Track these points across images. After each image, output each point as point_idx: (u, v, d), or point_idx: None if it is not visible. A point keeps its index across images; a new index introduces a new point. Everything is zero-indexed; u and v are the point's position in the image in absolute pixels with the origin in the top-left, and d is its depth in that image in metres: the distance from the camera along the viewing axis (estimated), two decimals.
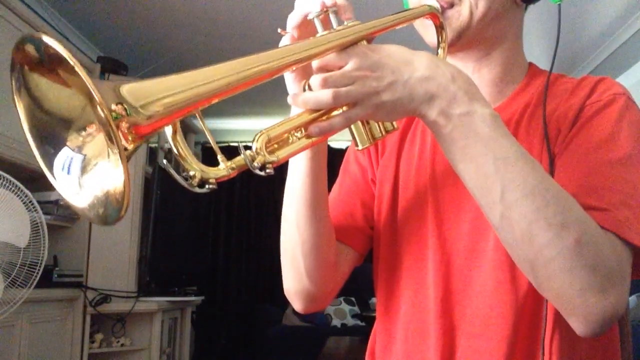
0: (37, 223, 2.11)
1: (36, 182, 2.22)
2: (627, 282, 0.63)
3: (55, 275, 2.78)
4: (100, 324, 3.23)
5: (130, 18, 3.39)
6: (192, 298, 3.82)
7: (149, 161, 3.61)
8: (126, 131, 0.45)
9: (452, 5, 0.77)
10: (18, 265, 2.04)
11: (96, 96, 0.42)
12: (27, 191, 2.06)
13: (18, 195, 2.02)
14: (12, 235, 1.98)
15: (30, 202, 2.07)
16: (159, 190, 3.37)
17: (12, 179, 2.02)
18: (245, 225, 5.35)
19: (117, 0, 3.18)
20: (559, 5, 0.79)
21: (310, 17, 0.66)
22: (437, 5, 0.77)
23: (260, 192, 5.30)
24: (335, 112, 0.62)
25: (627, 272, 0.63)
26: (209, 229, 4.88)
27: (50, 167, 0.50)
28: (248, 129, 5.36)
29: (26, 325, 2.49)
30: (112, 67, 3.36)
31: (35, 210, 2.09)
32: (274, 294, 4.83)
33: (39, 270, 2.10)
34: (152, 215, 3.35)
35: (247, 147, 0.57)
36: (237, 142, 5.24)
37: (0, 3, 2.43)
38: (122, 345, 3.20)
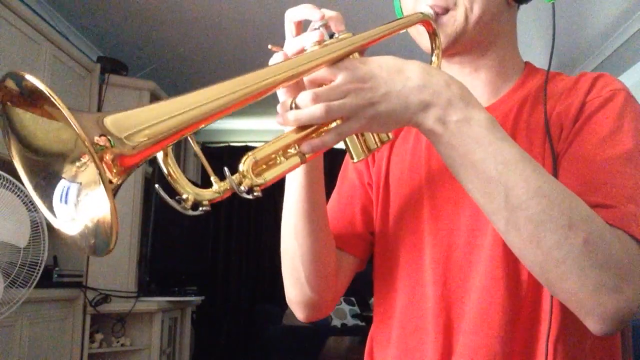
0: (37, 223, 2.11)
1: None
2: (639, 277, 0.62)
3: (55, 275, 2.78)
4: (100, 324, 3.23)
5: (130, 18, 3.39)
6: (192, 298, 3.82)
7: (149, 161, 3.60)
8: (111, 163, 0.44)
9: (447, 11, 0.77)
10: (18, 265, 2.04)
11: (77, 129, 0.41)
12: (27, 191, 2.05)
13: (18, 195, 2.02)
14: (12, 235, 1.98)
15: (30, 202, 2.07)
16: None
17: (12, 179, 2.02)
18: (245, 225, 5.35)
19: (117, 0, 3.18)
20: (553, 4, 0.79)
21: (306, 47, 0.64)
22: (429, 11, 0.76)
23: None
24: (325, 128, 0.62)
25: (639, 268, 0.62)
26: (209, 229, 4.88)
27: (49, 202, 0.49)
28: (248, 129, 5.36)
29: (26, 325, 2.49)
30: (112, 67, 3.36)
31: (35, 210, 2.09)
32: (274, 294, 4.83)
33: (39, 270, 2.10)
34: (152, 215, 3.35)
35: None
36: (238, 142, 5.22)
37: (0, 3, 2.43)
38: (122, 345, 3.20)
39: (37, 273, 2.10)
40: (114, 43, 3.72)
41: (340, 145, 0.67)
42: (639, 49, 3.35)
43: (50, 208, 0.49)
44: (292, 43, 0.66)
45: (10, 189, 2.01)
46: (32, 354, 2.52)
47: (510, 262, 0.71)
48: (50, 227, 2.31)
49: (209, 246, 4.89)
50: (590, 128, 0.72)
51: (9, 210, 1.98)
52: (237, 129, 5.40)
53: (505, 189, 0.60)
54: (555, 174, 0.71)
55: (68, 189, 0.48)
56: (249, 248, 5.31)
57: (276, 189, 0.67)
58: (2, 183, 1.98)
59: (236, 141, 5.06)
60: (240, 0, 3.18)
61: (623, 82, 0.78)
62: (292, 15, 0.67)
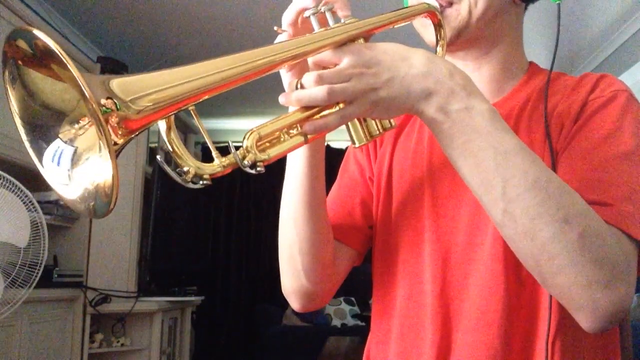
0: (37, 223, 2.11)
1: (36, 182, 2.22)
2: (633, 276, 0.63)
3: (55, 275, 2.78)
4: (100, 324, 3.23)
5: (130, 18, 3.39)
6: (192, 298, 3.81)
7: (149, 161, 3.60)
8: (116, 125, 0.45)
9: (451, 4, 0.78)
10: (18, 265, 2.04)
11: (85, 90, 0.42)
12: (27, 191, 2.06)
13: (18, 195, 2.02)
14: (12, 235, 1.98)
15: (30, 202, 2.07)
16: (159, 190, 3.36)
17: (12, 179, 2.02)
18: (245, 225, 5.35)
19: (117, 0, 3.18)
20: (559, 4, 0.80)
21: (306, 14, 0.65)
22: (435, 3, 0.77)
23: (260, 191, 5.31)
24: (328, 110, 0.62)
25: (633, 267, 0.63)
26: (208, 229, 4.88)
27: (39, 155, 0.50)
28: (248, 128, 5.35)
29: (26, 325, 2.49)
30: (112, 67, 3.36)
31: (35, 210, 2.09)
32: (274, 294, 4.83)
33: (39, 270, 2.10)
34: (152, 215, 3.35)
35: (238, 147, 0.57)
36: (238, 142, 5.29)
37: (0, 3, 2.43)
38: (122, 345, 3.20)
39: (37, 273, 2.09)
40: (114, 43, 3.72)
41: (340, 143, 0.67)
42: (639, 49, 3.35)
43: (40, 161, 0.50)
44: (290, 9, 0.67)
45: (10, 189, 2.01)
46: (32, 354, 2.52)
47: (510, 259, 0.71)
48: (50, 227, 2.32)
49: (208, 246, 4.89)
50: (591, 127, 0.72)
51: (9, 210, 1.98)
52: (237, 128, 5.40)
53: (503, 180, 0.60)
54: (554, 171, 0.71)
55: (62, 151, 0.48)
56: (249, 248, 5.31)
57: (276, 188, 0.67)
58: (2, 183, 1.98)
59: (236, 141, 5.04)
60: (241, 1, 3.18)
61: (623, 81, 0.78)
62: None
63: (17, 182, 2.03)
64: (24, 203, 2.04)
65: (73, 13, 3.34)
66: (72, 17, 3.38)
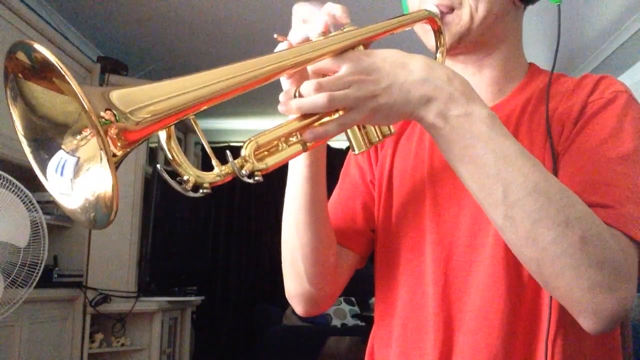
0: (37, 223, 2.11)
1: (36, 182, 2.22)
2: (634, 278, 0.63)
3: (55, 275, 2.78)
4: (100, 324, 3.23)
5: (130, 18, 3.39)
6: (192, 298, 3.82)
7: (149, 161, 3.60)
8: (115, 137, 0.45)
9: (452, 10, 0.77)
10: (18, 265, 2.04)
11: (84, 102, 0.42)
12: (27, 191, 2.06)
13: (18, 195, 2.02)
14: (12, 235, 1.98)
15: (30, 202, 2.07)
16: (159, 190, 3.37)
17: (12, 179, 2.02)
18: (245, 225, 5.35)
19: (117, 0, 3.18)
20: (559, 5, 0.80)
21: (311, 37, 0.65)
22: (435, 10, 0.76)
23: (260, 192, 5.30)
24: (327, 118, 0.62)
25: (634, 268, 0.63)
26: (209, 229, 4.88)
27: (43, 169, 0.50)
28: (249, 129, 5.37)
29: (26, 325, 2.49)
30: (112, 67, 3.36)
31: (35, 210, 2.09)
32: (274, 294, 4.84)
33: (39, 270, 2.10)
34: (152, 215, 3.35)
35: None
36: (238, 142, 5.25)
37: (0, 3, 2.43)
38: (122, 345, 3.20)
39: (37, 273, 2.10)
40: (114, 43, 3.72)
41: (340, 144, 0.67)
42: (639, 49, 3.35)
43: (44, 174, 0.50)
44: (297, 32, 0.67)
45: (10, 189, 2.01)
46: (32, 354, 2.52)
47: (511, 261, 0.71)
48: (50, 227, 2.32)
49: (209, 246, 4.89)
50: (591, 129, 0.72)
51: (9, 210, 1.98)
52: (237, 129, 5.40)
53: (504, 185, 0.60)
54: (555, 173, 0.71)
55: (65, 161, 0.49)
56: (249, 248, 5.31)
57: (277, 189, 0.67)
58: (2, 183, 1.98)
59: (236, 141, 5.06)
60: (241, 1, 3.17)
61: (623, 82, 0.78)
62: (299, 11, 0.68)
63: (17, 182, 2.03)
64: (24, 203, 2.04)
65: (73, 13, 3.33)
66: (72, 17, 3.38)
